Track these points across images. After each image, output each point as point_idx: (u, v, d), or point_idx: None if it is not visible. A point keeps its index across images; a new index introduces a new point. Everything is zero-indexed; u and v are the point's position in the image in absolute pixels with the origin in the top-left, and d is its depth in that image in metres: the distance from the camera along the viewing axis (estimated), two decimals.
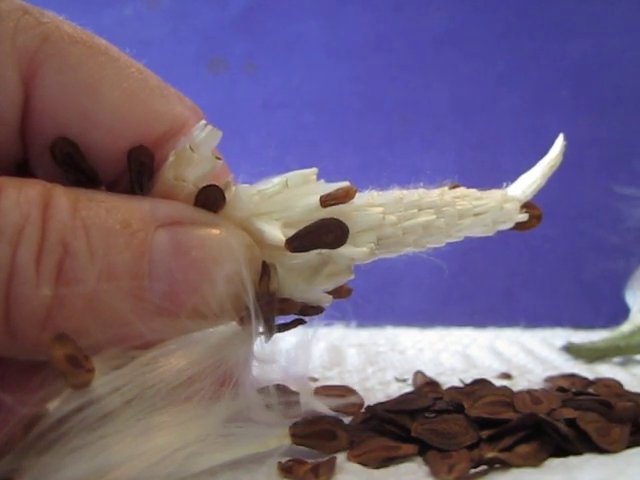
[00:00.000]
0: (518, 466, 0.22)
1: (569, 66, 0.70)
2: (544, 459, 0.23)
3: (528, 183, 0.30)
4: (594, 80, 0.69)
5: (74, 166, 0.22)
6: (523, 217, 0.29)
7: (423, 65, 0.72)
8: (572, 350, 0.45)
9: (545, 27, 0.71)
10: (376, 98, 0.72)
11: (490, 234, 0.29)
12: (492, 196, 0.28)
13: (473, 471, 0.22)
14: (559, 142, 0.31)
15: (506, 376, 0.39)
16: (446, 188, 0.28)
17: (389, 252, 0.26)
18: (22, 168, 0.23)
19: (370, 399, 0.31)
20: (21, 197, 0.20)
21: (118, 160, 0.23)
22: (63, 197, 0.20)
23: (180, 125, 0.24)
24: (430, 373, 0.38)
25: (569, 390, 0.30)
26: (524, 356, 0.46)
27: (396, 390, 0.35)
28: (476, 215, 0.28)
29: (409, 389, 0.35)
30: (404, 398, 0.29)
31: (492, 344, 0.51)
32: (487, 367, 0.42)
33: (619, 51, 0.69)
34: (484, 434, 0.24)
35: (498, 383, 0.33)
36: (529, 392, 0.27)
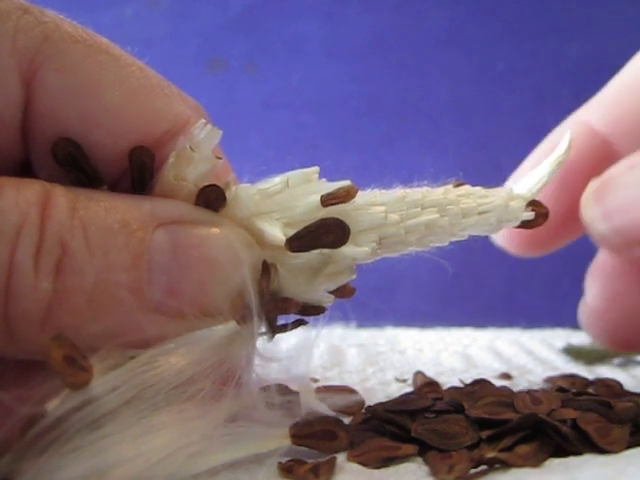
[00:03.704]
0: (518, 466, 0.22)
1: (569, 66, 0.70)
2: (544, 459, 0.23)
3: (534, 181, 0.29)
4: (594, 80, 0.69)
5: (75, 166, 0.22)
6: (529, 215, 0.29)
7: (423, 65, 0.72)
8: (572, 352, 0.45)
9: (545, 27, 0.71)
10: (376, 98, 0.72)
11: (495, 233, 0.29)
12: (497, 194, 0.28)
13: (473, 471, 0.22)
14: (565, 139, 0.30)
15: (506, 376, 0.39)
16: (450, 186, 0.27)
17: (392, 251, 0.26)
18: (24, 168, 0.23)
19: (370, 399, 0.31)
20: (20, 197, 0.20)
21: (120, 160, 0.23)
22: (62, 197, 0.20)
23: (182, 124, 0.24)
24: (430, 373, 0.38)
25: (569, 390, 0.30)
26: (524, 356, 0.46)
27: (396, 390, 0.35)
28: (480, 214, 0.27)
29: (409, 389, 0.35)
30: (404, 398, 0.29)
31: (492, 344, 0.51)
32: (487, 367, 0.42)
33: (619, 51, 0.69)
34: (484, 434, 0.24)
35: (498, 383, 0.33)
36: (529, 392, 0.27)
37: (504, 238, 0.33)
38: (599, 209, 0.28)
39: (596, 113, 0.31)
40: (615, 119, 0.30)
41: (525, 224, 0.29)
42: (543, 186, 0.29)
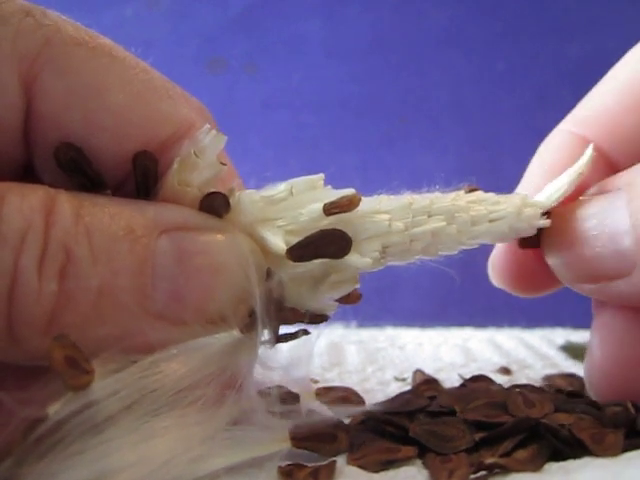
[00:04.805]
0: (517, 471, 0.22)
1: (569, 66, 0.70)
2: (543, 464, 0.23)
3: (554, 189, 0.29)
4: (594, 80, 0.69)
5: (78, 171, 0.22)
6: (545, 223, 0.28)
7: (423, 65, 0.72)
8: (570, 350, 0.45)
9: (545, 27, 0.71)
10: (376, 98, 0.72)
11: (509, 241, 0.28)
12: (510, 201, 0.27)
13: (473, 476, 0.22)
14: (588, 151, 0.29)
15: (506, 371, 0.39)
16: (461, 192, 0.27)
17: (397, 260, 0.25)
18: (27, 172, 0.23)
19: (370, 399, 0.31)
20: (24, 204, 0.20)
21: (124, 163, 0.23)
22: (66, 203, 0.20)
23: (187, 127, 0.23)
24: (429, 369, 0.38)
25: (564, 391, 0.30)
26: (524, 350, 0.46)
27: (395, 390, 0.35)
28: (491, 221, 0.26)
29: (408, 389, 0.35)
30: (401, 398, 0.29)
31: (492, 338, 0.51)
32: (486, 361, 0.42)
33: (619, 51, 0.69)
34: (477, 436, 0.24)
35: (497, 378, 0.33)
36: (522, 393, 0.27)
37: (501, 280, 0.33)
38: (556, 239, 0.28)
39: (592, 126, 0.31)
40: (616, 134, 0.30)
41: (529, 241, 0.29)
42: (562, 195, 0.28)
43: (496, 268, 0.33)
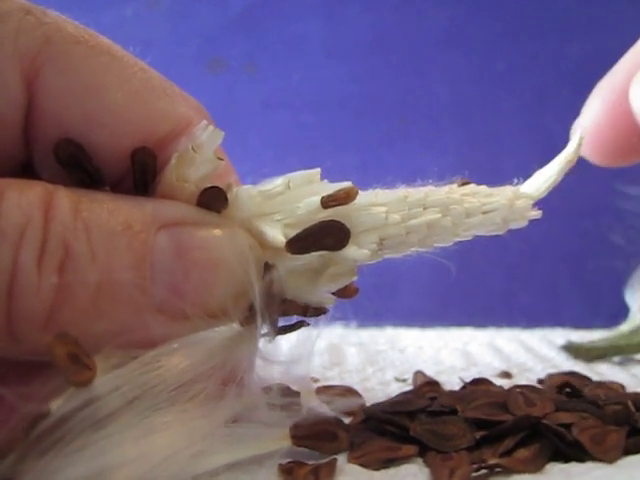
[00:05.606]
0: (519, 472, 0.22)
1: (569, 66, 0.70)
2: (544, 464, 0.23)
3: (543, 179, 0.28)
4: (594, 80, 0.69)
5: (77, 167, 0.22)
6: (536, 214, 0.28)
7: (423, 65, 0.72)
8: (571, 349, 0.45)
9: (545, 27, 0.71)
10: (376, 98, 0.72)
11: (501, 233, 0.28)
12: (503, 193, 0.27)
13: (474, 474, 0.22)
14: (577, 137, 0.29)
15: (506, 375, 0.39)
16: (455, 185, 0.27)
17: (394, 252, 0.26)
18: (27, 169, 0.23)
19: (370, 399, 0.31)
20: (22, 199, 0.20)
21: (122, 160, 0.23)
22: (65, 199, 0.20)
23: (184, 125, 0.24)
24: (430, 371, 0.38)
25: (565, 391, 0.30)
26: (524, 353, 0.46)
27: (396, 390, 0.35)
28: (485, 213, 0.27)
29: (409, 389, 0.35)
30: (402, 398, 0.29)
31: (492, 341, 0.51)
32: (487, 365, 0.42)
33: (619, 51, 0.69)
34: (479, 434, 0.24)
35: (498, 382, 0.33)
36: (522, 393, 0.27)
37: (590, 150, 0.33)
38: None
39: None
40: None
41: None
42: (552, 185, 0.28)
43: (592, 135, 0.33)
